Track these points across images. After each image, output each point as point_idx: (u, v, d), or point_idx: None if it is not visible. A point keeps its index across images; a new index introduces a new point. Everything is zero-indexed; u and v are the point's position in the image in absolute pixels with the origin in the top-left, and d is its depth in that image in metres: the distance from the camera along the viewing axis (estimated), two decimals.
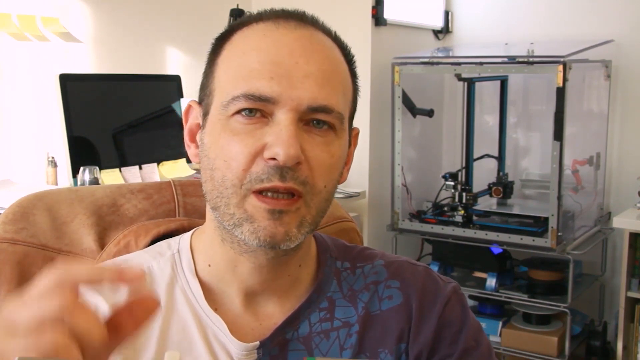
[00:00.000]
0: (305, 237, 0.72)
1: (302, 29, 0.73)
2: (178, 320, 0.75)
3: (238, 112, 0.70)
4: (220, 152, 0.70)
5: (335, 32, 0.78)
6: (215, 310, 0.76)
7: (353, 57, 0.78)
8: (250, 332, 0.76)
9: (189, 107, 0.79)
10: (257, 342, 0.75)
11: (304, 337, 0.77)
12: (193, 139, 0.77)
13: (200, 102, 0.77)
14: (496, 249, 2.71)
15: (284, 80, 0.69)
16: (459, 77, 2.79)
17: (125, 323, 0.50)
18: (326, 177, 0.71)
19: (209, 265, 0.78)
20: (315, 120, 0.70)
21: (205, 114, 0.75)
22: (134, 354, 0.73)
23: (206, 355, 0.74)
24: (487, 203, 2.89)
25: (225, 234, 0.73)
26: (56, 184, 2.23)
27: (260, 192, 0.69)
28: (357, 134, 0.82)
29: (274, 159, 0.67)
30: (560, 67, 2.45)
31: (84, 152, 2.14)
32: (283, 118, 0.68)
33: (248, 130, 0.69)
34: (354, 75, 0.78)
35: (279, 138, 0.67)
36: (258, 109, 0.69)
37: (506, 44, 3.06)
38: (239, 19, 0.77)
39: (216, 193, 0.71)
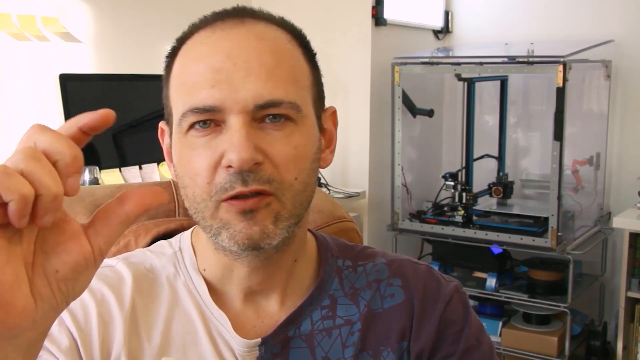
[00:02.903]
0: (288, 232, 0.71)
1: (239, 27, 0.71)
2: (182, 314, 0.76)
3: (191, 127, 0.69)
4: (185, 170, 0.71)
5: (282, 18, 0.76)
6: (218, 306, 0.76)
7: (305, 38, 0.76)
8: (252, 329, 0.77)
9: (161, 130, 0.79)
10: (259, 339, 0.75)
11: (306, 335, 0.77)
12: (171, 159, 0.77)
13: (167, 123, 0.77)
14: (496, 249, 2.71)
15: (225, 85, 0.68)
16: (459, 77, 2.79)
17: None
18: (294, 169, 0.70)
19: (204, 270, 0.78)
20: (270, 115, 0.69)
21: (170, 134, 0.75)
22: (138, 343, 0.73)
23: (210, 349, 0.74)
24: (487, 203, 2.89)
25: (216, 243, 0.74)
26: None
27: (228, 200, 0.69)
28: (334, 112, 0.80)
29: (231, 166, 0.67)
30: (560, 67, 2.45)
31: (84, 152, 2.13)
32: (233, 123, 0.68)
33: (204, 142, 0.69)
34: (310, 57, 0.76)
35: (231, 144, 0.67)
36: (209, 119, 0.69)
37: (506, 44, 3.06)
38: (183, 32, 0.75)
39: (193, 209, 0.71)
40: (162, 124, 0.78)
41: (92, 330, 0.72)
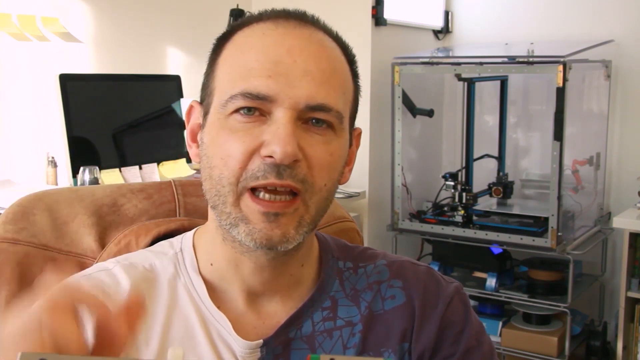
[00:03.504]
0: (305, 237, 0.72)
1: (302, 28, 0.73)
2: (181, 317, 0.75)
3: (236, 110, 0.70)
4: (218, 150, 0.71)
5: (336, 32, 0.78)
6: (219, 308, 0.76)
7: (354, 57, 0.79)
8: (253, 331, 0.76)
9: (191, 107, 0.79)
10: (261, 341, 0.75)
11: (307, 336, 0.77)
12: (194, 139, 0.78)
13: (201, 102, 0.77)
14: (496, 249, 2.71)
15: (282, 78, 0.69)
16: (459, 77, 2.79)
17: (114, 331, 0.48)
18: (325, 175, 0.71)
19: (211, 265, 0.78)
20: (314, 119, 0.70)
21: (205, 114, 0.75)
22: (135, 350, 0.73)
23: (209, 352, 0.74)
24: (487, 203, 2.89)
25: (226, 234, 0.74)
26: (56, 184, 2.23)
27: (255, 191, 0.69)
28: (360, 134, 0.82)
29: (270, 156, 0.67)
30: (560, 67, 2.45)
31: (84, 152, 2.14)
32: (280, 116, 0.68)
33: (246, 128, 0.69)
34: (355, 76, 0.78)
35: (276, 136, 0.67)
36: (256, 107, 0.69)
37: (506, 44, 3.06)
38: (240, 19, 0.77)
39: (214, 191, 0.71)
40: (193, 102, 0.79)
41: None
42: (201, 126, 0.76)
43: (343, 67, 0.75)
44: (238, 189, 0.69)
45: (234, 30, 0.76)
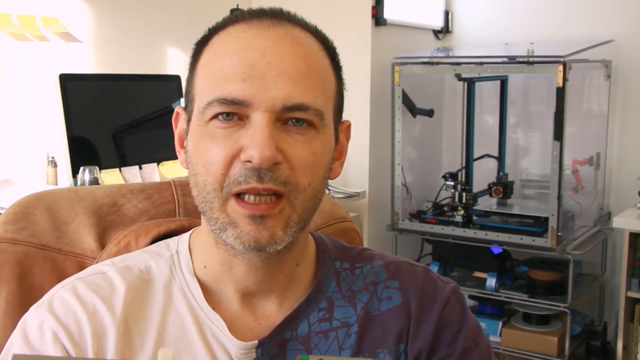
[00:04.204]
0: (294, 236, 0.72)
1: (276, 27, 0.72)
2: (176, 319, 0.75)
3: (215, 116, 0.70)
4: (200, 158, 0.71)
5: (315, 26, 0.77)
6: (214, 309, 0.76)
7: (335, 49, 0.78)
8: (249, 332, 0.76)
9: (177, 113, 0.79)
10: (256, 341, 0.75)
11: (303, 337, 0.77)
12: (182, 145, 0.77)
13: (185, 108, 0.77)
14: (496, 249, 2.71)
15: (257, 81, 0.69)
16: (459, 77, 2.79)
17: None
18: (309, 174, 0.71)
19: (205, 267, 0.78)
20: (293, 118, 0.70)
21: (188, 120, 0.75)
22: (131, 353, 0.73)
23: (204, 353, 0.74)
24: (487, 203, 2.89)
25: (217, 237, 0.74)
26: (56, 184, 2.23)
27: (240, 195, 0.69)
28: (348, 126, 0.81)
29: (250, 161, 0.68)
30: (560, 67, 2.45)
31: (84, 152, 2.14)
32: (258, 120, 0.68)
33: (225, 134, 0.70)
34: (337, 69, 0.78)
35: (254, 140, 0.67)
36: (234, 112, 0.69)
37: (506, 44, 3.06)
38: (216, 23, 0.76)
39: (201, 198, 0.72)
40: (178, 108, 0.79)
41: (87, 345, 0.71)
42: (186, 132, 0.76)
43: (321, 62, 0.75)
44: (223, 194, 0.69)
45: (211, 34, 0.75)
